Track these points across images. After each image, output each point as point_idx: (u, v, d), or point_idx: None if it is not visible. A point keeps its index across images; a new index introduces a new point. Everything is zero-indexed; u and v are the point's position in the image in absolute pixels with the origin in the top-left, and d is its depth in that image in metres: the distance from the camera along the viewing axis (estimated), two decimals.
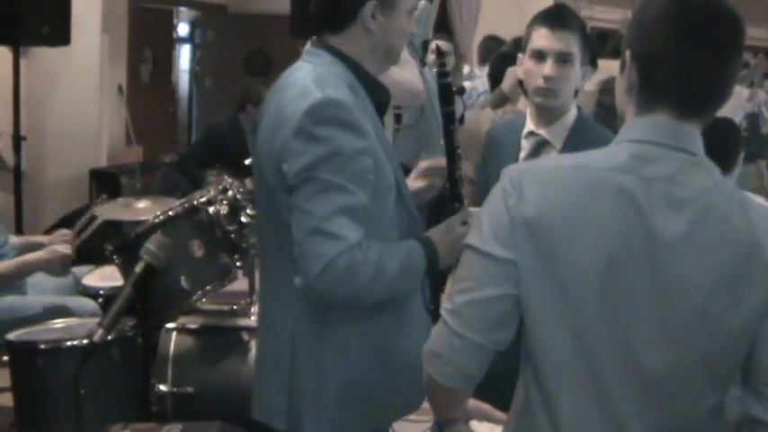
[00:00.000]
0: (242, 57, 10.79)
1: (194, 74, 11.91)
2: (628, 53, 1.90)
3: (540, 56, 3.07)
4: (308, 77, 2.41)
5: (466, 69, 10.91)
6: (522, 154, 3.13)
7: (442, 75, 2.72)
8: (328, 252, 2.25)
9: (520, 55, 3.18)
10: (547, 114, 3.15)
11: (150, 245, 2.97)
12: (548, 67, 3.05)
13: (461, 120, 2.72)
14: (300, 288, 2.32)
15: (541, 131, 3.15)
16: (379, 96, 2.57)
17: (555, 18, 3.08)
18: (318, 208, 2.27)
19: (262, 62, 10.43)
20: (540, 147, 3.16)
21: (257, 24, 10.30)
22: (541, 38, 3.07)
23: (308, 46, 2.59)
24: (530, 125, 3.18)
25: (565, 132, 3.15)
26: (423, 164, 2.92)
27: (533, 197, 1.83)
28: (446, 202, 2.71)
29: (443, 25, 13.16)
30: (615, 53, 16.95)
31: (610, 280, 1.78)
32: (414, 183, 2.86)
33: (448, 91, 2.72)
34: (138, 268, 2.86)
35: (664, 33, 1.83)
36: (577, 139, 3.10)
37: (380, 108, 2.59)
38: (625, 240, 1.77)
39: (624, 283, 1.78)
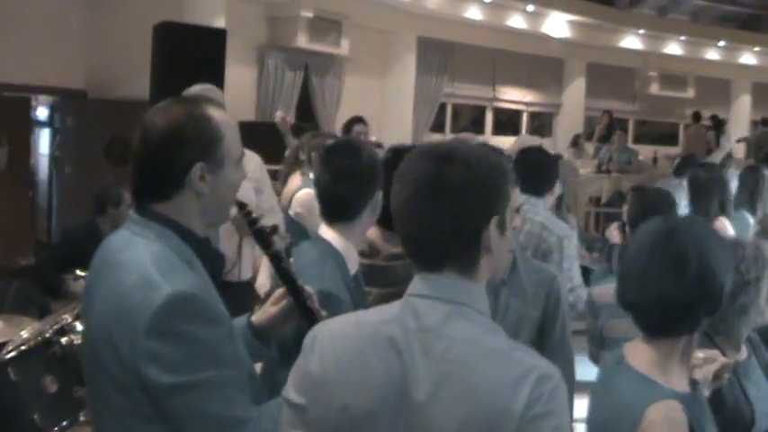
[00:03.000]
0: (103, 142, 10.70)
1: (54, 159, 11.75)
2: None
3: None
4: (147, 260, 2.31)
5: None
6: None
7: (252, 222, 2.70)
8: None
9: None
10: None
11: None
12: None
13: (288, 252, 2.73)
14: None
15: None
16: (213, 264, 2.52)
17: None
18: (211, 407, 2.27)
19: (123, 148, 10.36)
20: None
21: (117, 110, 10.25)
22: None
23: (132, 213, 2.47)
24: (354, 261, 3.30)
25: None
26: (279, 292, 2.93)
27: (321, 350, 2.05)
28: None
29: (306, 109, 13.35)
30: (469, 126, 17.41)
31: (377, 427, 1.96)
32: (269, 309, 2.80)
33: (263, 235, 2.71)
34: None
35: (397, 192, 2.02)
36: None
37: (215, 274, 2.52)
38: (387, 389, 1.95)
39: (386, 430, 1.95)
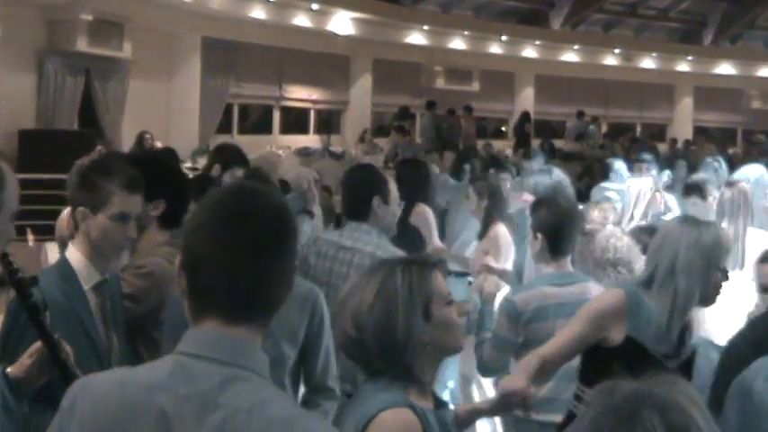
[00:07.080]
0: None
1: None
2: (178, 259, 1.94)
3: (124, 218, 3.28)
4: None
5: None
6: (95, 303, 3.29)
7: (12, 273, 2.70)
8: None
9: (83, 208, 3.28)
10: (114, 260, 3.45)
11: None
12: (132, 229, 3.33)
13: (45, 305, 2.77)
14: None
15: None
16: None
17: (136, 182, 3.33)
18: None
19: None
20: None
21: None
22: (125, 202, 3.27)
23: None
24: (91, 274, 3.29)
25: None
26: (35, 346, 2.80)
27: (82, 417, 1.88)
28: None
29: (89, 114, 13.48)
30: (257, 126, 17.79)
31: None
32: (24, 361, 2.79)
33: (22, 285, 2.72)
34: None
35: (203, 240, 1.87)
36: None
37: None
38: None
39: None
